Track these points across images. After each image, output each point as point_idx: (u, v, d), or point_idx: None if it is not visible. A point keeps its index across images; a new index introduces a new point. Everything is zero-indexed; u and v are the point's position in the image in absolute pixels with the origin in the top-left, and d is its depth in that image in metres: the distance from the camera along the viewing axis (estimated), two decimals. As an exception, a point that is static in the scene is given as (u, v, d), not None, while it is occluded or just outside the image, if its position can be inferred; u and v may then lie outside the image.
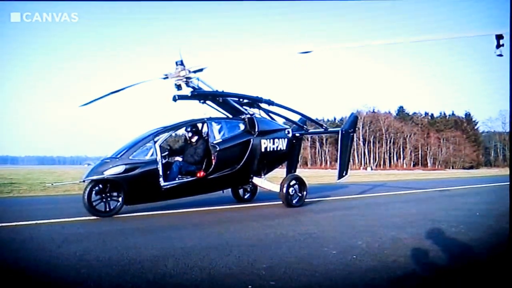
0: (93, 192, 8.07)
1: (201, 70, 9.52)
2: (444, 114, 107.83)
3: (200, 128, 9.98)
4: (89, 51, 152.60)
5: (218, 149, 9.27)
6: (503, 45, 6.92)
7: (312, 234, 6.41)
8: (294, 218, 8.26)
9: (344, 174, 11.50)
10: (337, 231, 6.74)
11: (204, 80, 9.69)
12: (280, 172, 12.64)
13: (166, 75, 9.44)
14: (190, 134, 9.67)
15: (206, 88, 9.76)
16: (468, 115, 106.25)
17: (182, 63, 9.31)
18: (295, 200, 9.91)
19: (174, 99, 9.27)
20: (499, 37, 6.93)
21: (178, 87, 9.38)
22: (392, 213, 9.10)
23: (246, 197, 11.07)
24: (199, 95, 9.77)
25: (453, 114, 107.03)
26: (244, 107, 10.49)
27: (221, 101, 10.10)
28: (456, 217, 8.43)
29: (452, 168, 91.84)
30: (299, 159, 13.89)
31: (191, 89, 9.49)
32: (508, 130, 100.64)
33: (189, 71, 9.38)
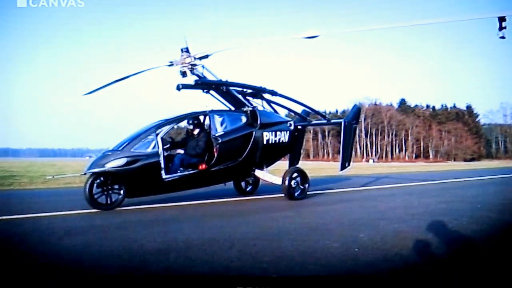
0: (95, 185, 8.06)
1: (206, 56, 9.50)
2: (446, 106, 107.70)
3: (202, 121, 9.94)
4: (95, 38, 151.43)
5: (220, 141, 9.24)
6: (505, 27, 6.89)
7: (314, 227, 6.40)
8: (296, 211, 8.24)
9: (346, 166, 11.50)
10: (339, 224, 6.72)
11: (209, 69, 9.69)
12: (282, 165, 12.60)
13: (171, 62, 9.45)
14: (192, 127, 9.64)
15: (210, 77, 9.75)
16: (469, 108, 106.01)
17: (187, 50, 9.33)
18: (297, 193, 9.89)
19: (178, 88, 9.25)
20: (501, 19, 6.90)
21: (183, 74, 9.40)
22: (394, 206, 9.08)
23: (248, 189, 11.06)
24: (203, 84, 9.76)
25: (454, 106, 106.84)
26: (247, 97, 10.48)
27: (224, 90, 10.06)
28: (458, 209, 8.41)
29: (454, 160, 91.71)
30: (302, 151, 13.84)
31: (196, 77, 9.48)
32: (509, 122, 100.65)
33: (195, 58, 9.38)
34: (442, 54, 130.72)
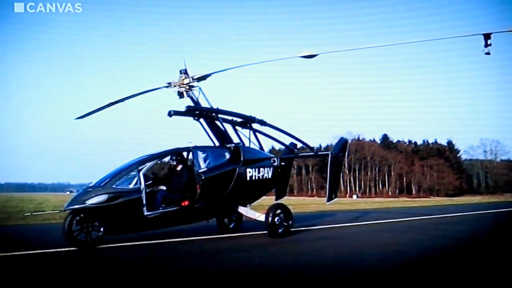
0: (74, 222, 7.86)
1: (204, 78, 9.70)
2: (427, 142, 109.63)
3: (185, 157, 9.92)
4: (92, 44, 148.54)
5: (203, 178, 9.20)
6: (490, 44, 7.26)
7: (297, 266, 6.33)
8: (279, 249, 8.15)
9: (333, 197, 11.64)
10: (322, 262, 6.66)
11: (205, 93, 9.91)
12: (266, 200, 12.55)
13: (169, 83, 9.66)
14: (175, 163, 9.60)
15: (204, 103, 9.91)
16: (450, 143, 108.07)
17: (186, 72, 9.58)
18: (281, 230, 9.77)
19: (169, 114, 9.39)
20: (486, 36, 7.29)
21: (180, 95, 9.63)
22: (377, 243, 9.04)
23: (231, 226, 10.92)
24: (195, 110, 9.88)
25: (435, 142, 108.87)
26: (237, 127, 10.60)
27: (215, 117, 10.17)
28: (442, 246, 8.45)
29: (437, 195, 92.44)
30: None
31: (190, 99, 9.69)
32: (489, 158, 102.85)
33: (193, 79, 9.56)
34: (423, 89, 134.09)
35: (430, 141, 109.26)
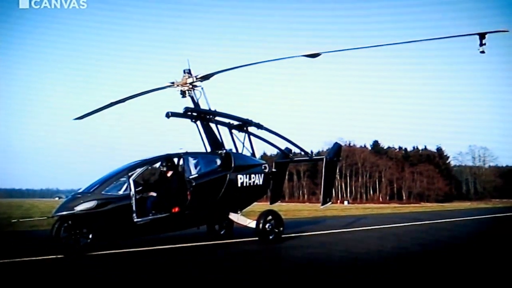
0: (62, 228, 7.74)
1: (208, 78, 9.77)
2: (417, 148, 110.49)
3: (176, 163, 9.84)
4: (96, 41, 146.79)
5: (193, 184, 9.13)
6: (485, 43, 7.42)
7: (287, 272, 6.29)
8: (270, 256, 8.11)
9: (328, 201, 11.73)
10: (312, 271, 6.62)
11: (206, 95, 9.99)
12: (258, 206, 12.49)
13: (172, 82, 9.77)
14: (165, 169, 9.52)
15: (203, 105, 9.95)
16: (439, 150, 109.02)
17: (189, 72, 9.70)
18: (272, 236, 9.72)
19: (167, 116, 9.45)
20: (481, 36, 7.50)
21: (183, 94, 9.76)
22: (368, 250, 9.03)
23: (221, 233, 10.83)
24: (192, 111, 9.93)
25: (425, 148, 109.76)
26: (233, 130, 10.63)
27: (211, 120, 10.16)
28: (432, 252, 8.46)
29: (427, 201, 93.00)
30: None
31: (190, 99, 9.80)
32: (478, 164, 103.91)
33: (196, 78, 9.65)
34: (413, 96, 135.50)
35: (420, 148, 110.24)
